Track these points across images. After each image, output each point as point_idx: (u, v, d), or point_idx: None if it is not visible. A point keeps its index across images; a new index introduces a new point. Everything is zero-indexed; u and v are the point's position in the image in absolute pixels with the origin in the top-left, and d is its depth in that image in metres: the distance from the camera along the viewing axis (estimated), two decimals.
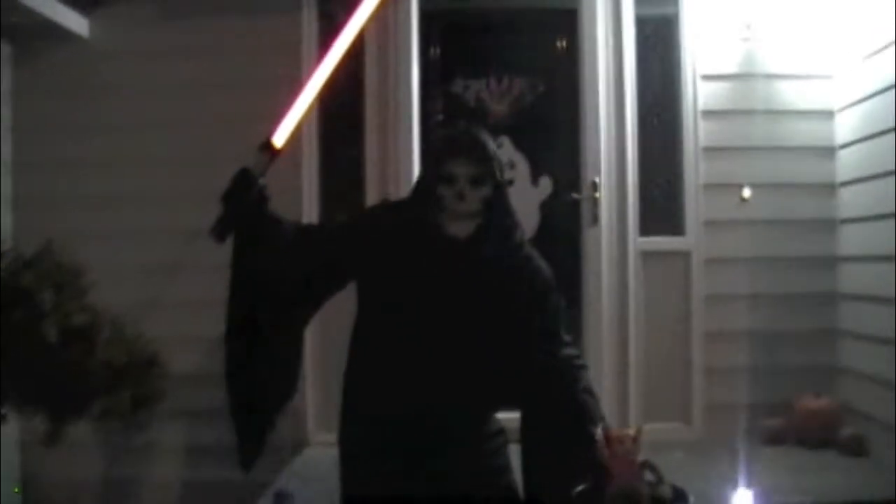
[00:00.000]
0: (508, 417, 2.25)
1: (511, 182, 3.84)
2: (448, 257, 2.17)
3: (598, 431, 1.86)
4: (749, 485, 2.34)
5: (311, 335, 3.74)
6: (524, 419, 2.19)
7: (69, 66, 3.98)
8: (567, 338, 2.24)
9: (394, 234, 2.20)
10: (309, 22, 4.02)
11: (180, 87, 3.94)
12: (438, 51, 4.20)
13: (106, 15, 4.00)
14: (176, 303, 3.84)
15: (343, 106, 3.99)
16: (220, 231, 2.16)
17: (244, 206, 2.15)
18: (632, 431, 1.83)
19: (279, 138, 2.17)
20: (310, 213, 4.00)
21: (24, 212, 3.91)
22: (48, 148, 3.95)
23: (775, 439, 3.79)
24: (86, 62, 3.98)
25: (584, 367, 2.23)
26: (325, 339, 3.63)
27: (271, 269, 2.18)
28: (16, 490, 3.59)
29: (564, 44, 4.19)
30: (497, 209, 2.19)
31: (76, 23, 3.94)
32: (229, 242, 2.19)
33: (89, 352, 2.78)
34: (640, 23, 4.06)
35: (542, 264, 2.25)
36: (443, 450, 2.15)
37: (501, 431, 2.29)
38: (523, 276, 2.20)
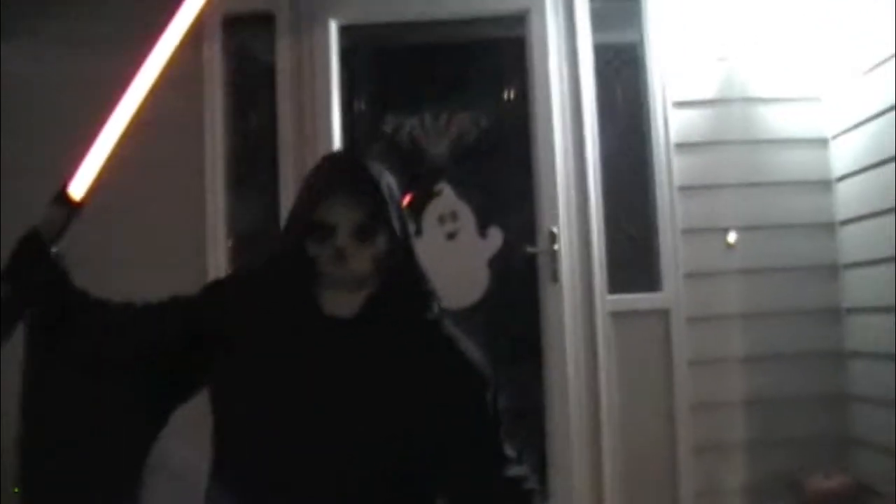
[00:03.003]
0: None
1: (454, 235, 3.57)
2: (326, 347, 1.58)
3: None
4: None
5: None
6: None
7: None
8: (510, 452, 1.67)
9: (250, 317, 1.61)
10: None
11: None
12: (364, 85, 3.86)
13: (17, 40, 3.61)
14: None
15: (253, 152, 3.71)
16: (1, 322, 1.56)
17: (37, 284, 1.58)
18: None
19: (77, 189, 1.68)
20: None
21: None
22: None
23: None
24: None
25: (533, 492, 1.67)
26: None
27: (85, 374, 1.59)
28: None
29: (512, 74, 3.84)
30: (396, 272, 1.60)
31: None
32: None
33: None
34: (600, 48, 3.74)
35: (472, 349, 1.66)
36: None
37: None
38: (442, 368, 1.61)
